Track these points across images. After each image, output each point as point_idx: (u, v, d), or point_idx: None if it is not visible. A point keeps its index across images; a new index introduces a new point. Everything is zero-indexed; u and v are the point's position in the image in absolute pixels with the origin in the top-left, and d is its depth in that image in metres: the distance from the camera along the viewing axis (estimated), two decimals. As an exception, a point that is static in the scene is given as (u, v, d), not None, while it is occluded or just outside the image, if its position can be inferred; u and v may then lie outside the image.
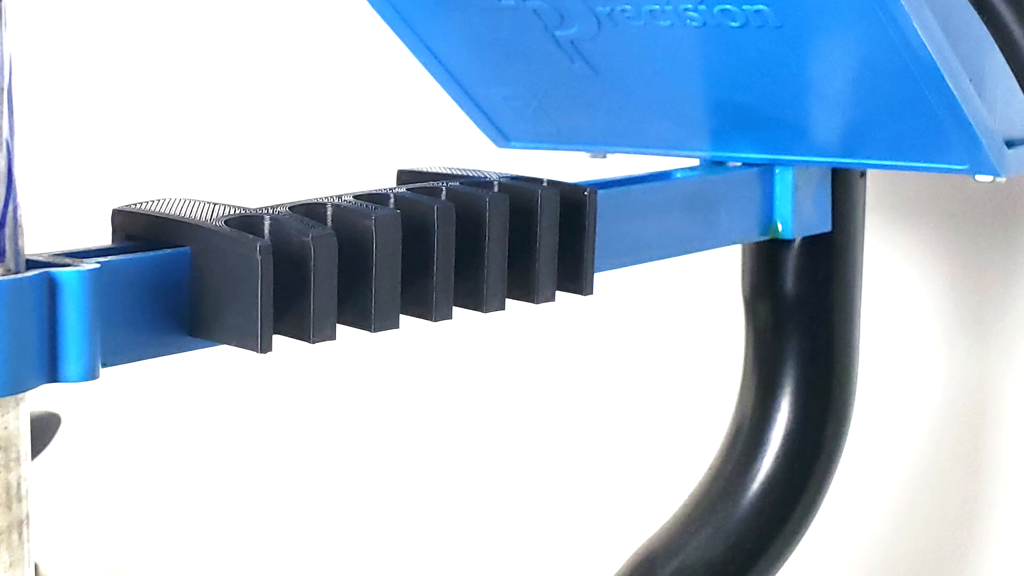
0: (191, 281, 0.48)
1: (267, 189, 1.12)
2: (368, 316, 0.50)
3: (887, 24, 0.57)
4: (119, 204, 0.51)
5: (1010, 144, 0.64)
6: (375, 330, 0.50)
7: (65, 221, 1.20)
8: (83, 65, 1.26)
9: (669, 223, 0.67)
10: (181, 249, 0.48)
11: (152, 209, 0.50)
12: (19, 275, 0.43)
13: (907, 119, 0.62)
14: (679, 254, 0.68)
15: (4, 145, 0.43)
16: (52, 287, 0.44)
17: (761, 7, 0.59)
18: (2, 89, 0.43)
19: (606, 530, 1.04)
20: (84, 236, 0.56)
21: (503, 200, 0.54)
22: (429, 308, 0.52)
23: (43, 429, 0.93)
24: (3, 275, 0.43)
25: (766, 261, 0.74)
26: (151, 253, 0.48)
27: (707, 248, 0.70)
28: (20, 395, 0.44)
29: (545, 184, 0.56)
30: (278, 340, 0.48)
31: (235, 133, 1.17)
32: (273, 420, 1.20)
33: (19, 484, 0.44)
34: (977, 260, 0.88)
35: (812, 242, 0.73)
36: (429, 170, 0.59)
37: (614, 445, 1.03)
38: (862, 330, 0.76)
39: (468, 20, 0.68)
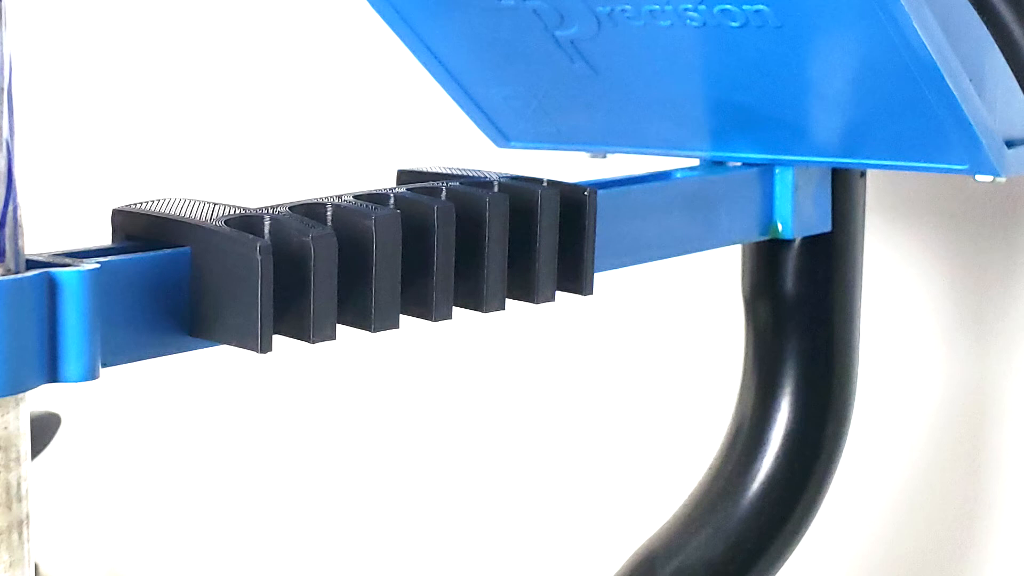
0: (191, 281, 0.48)
1: (267, 189, 1.12)
2: (368, 316, 0.50)
3: (887, 24, 0.57)
4: (119, 204, 0.51)
5: (1010, 144, 0.64)
6: (375, 330, 0.50)
7: (65, 221, 1.20)
8: (83, 65, 1.26)
9: (669, 223, 0.67)
10: (181, 249, 0.48)
11: (152, 209, 0.50)
12: (19, 275, 0.43)
13: (907, 119, 0.62)
14: (679, 254, 0.68)
15: (4, 145, 0.43)
16: (52, 287, 0.44)
17: (761, 7, 0.59)
18: (2, 89, 0.43)
19: (606, 530, 1.04)
20: (84, 236, 0.56)
21: (503, 200, 0.54)
22: (429, 308, 0.52)
23: (43, 429, 0.93)
24: (3, 275, 0.43)
25: (766, 261, 0.74)
26: (151, 253, 0.48)
27: (707, 248, 0.70)
28: (20, 395, 0.44)
29: (545, 184, 0.56)
30: (278, 340, 0.48)
31: (235, 133, 1.17)
32: (273, 420, 1.20)
33: (19, 484, 0.44)
34: (977, 260, 0.88)
35: (812, 242, 0.73)
36: (429, 170, 0.59)
37: (614, 445, 1.03)
38: (862, 330, 0.76)
39: (468, 20, 0.68)
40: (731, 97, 0.66)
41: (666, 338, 1.00)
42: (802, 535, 0.75)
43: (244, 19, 1.16)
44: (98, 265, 0.45)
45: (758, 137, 0.68)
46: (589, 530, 1.05)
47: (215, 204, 0.50)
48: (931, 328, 0.90)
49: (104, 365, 0.45)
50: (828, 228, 0.73)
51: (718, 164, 0.72)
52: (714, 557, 0.75)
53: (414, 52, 0.71)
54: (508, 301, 0.55)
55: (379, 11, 0.69)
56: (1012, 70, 0.53)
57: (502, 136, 0.76)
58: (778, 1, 0.59)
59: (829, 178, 0.73)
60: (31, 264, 0.45)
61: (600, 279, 0.59)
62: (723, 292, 0.91)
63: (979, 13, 0.54)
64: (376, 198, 0.53)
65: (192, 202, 0.50)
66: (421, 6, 0.68)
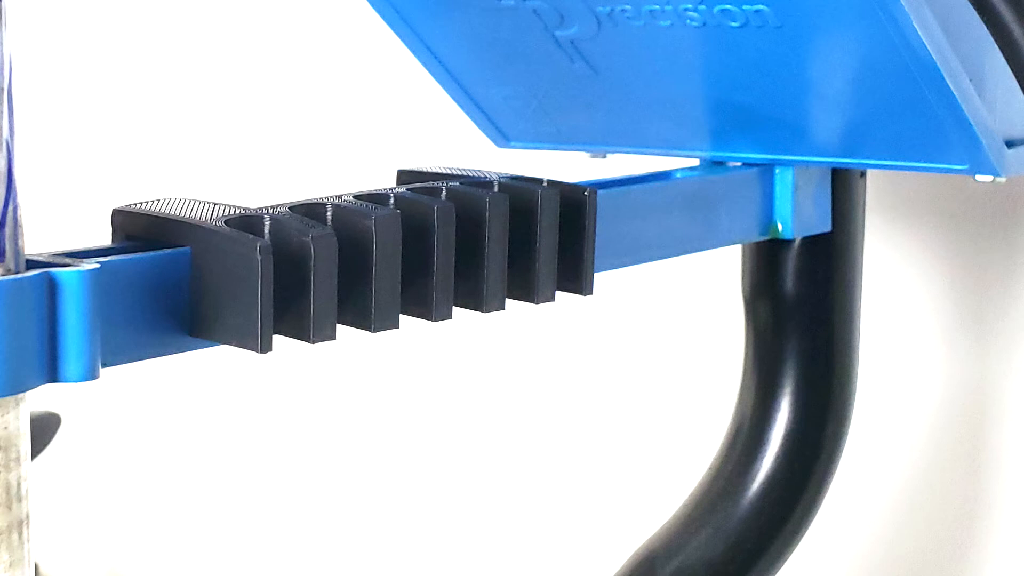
0: (191, 281, 0.48)
1: (267, 189, 1.12)
2: (368, 316, 0.50)
3: (887, 24, 0.57)
4: (119, 204, 0.51)
5: (1010, 144, 0.64)
6: (375, 330, 0.50)
7: (65, 221, 1.20)
8: (83, 65, 1.26)
9: (669, 223, 0.67)
10: (181, 249, 0.48)
11: (152, 209, 0.50)
12: (19, 275, 0.43)
13: (907, 119, 0.62)
14: (679, 254, 0.68)
15: (4, 145, 0.43)
16: (52, 287, 0.44)
17: (761, 7, 0.59)
18: (2, 89, 0.43)
19: (606, 530, 1.04)
20: (84, 236, 0.56)
21: (503, 200, 0.54)
22: (429, 308, 0.52)
23: (43, 429, 0.93)
24: (3, 275, 0.43)
25: (766, 261, 0.74)
26: (151, 253, 0.48)
27: (707, 248, 0.70)
28: (20, 395, 0.44)
29: (545, 184, 0.56)
30: (278, 340, 0.48)
31: (235, 133, 1.17)
32: (273, 420, 1.20)
33: (19, 484, 0.44)
34: (977, 260, 0.88)
35: (812, 242, 0.73)
36: (429, 170, 0.59)
37: (614, 445, 1.03)
38: (862, 330, 0.76)
39: (468, 20, 0.68)
40: (731, 97, 0.66)
41: (666, 338, 1.00)
42: (802, 535, 0.75)
43: (244, 19, 1.16)
44: (98, 265, 0.45)
45: (758, 137, 0.68)
46: (589, 530, 1.05)
47: (215, 204, 0.50)
48: (931, 328, 0.90)
49: (104, 365, 0.45)
50: (828, 228, 0.73)
51: (718, 164, 0.72)
52: (714, 557, 0.75)
53: (414, 52, 0.71)
54: (508, 301, 0.55)
55: (379, 11, 0.69)
56: (1012, 70, 0.53)
57: (502, 136, 0.76)
58: (778, 1, 0.59)
59: (829, 178, 0.73)
60: (31, 264, 0.45)
61: (600, 279, 0.59)
62: (723, 292, 0.91)
63: (979, 13, 0.54)
64: (376, 198, 0.53)
65: (192, 202, 0.50)
66: (421, 6, 0.68)
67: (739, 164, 0.71)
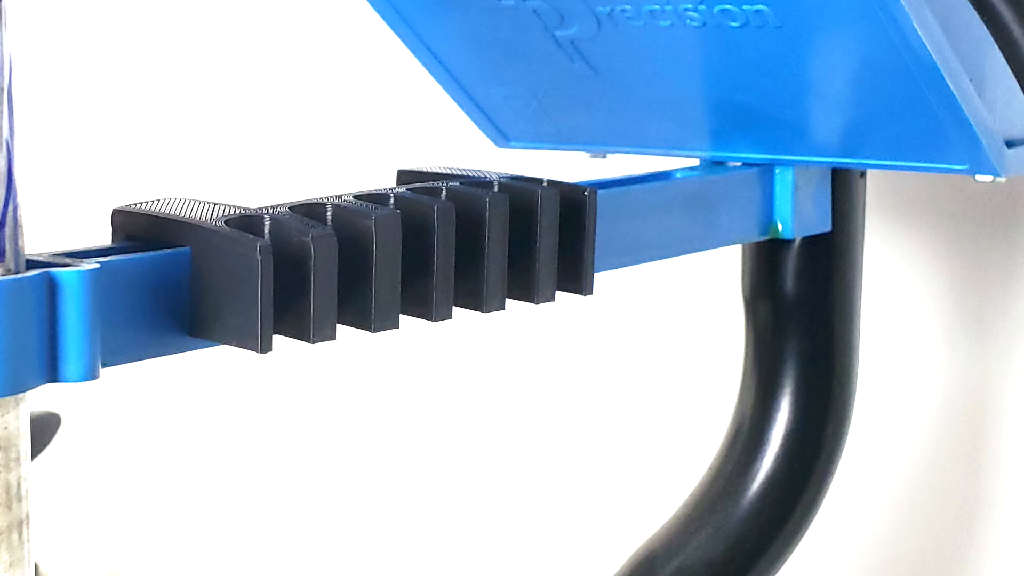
0: (191, 281, 0.48)
1: (267, 189, 1.12)
2: (368, 316, 0.50)
3: (887, 24, 0.57)
4: (119, 204, 0.51)
5: (1010, 144, 0.64)
6: (375, 330, 0.50)
7: (65, 221, 1.20)
8: (83, 65, 1.26)
9: (669, 223, 0.67)
10: (181, 249, 0.48)
11: (152, 209, 0.50)
12: (19, 275, 0.43)
13: (907, 119, 0.62)
14: (679, 254, 0.68)
15: (4, 145, 0.43)
16: (52, 287, 0.44)
17: (761, 7, 0.59)
18: (2, 89, 0.43)
19: (606, 530, 1.04)
20: (84, 236, 0.56)
21: (503, 200, 0.54)
22: (429, 308, 0.52)
23: (43, 429, 0.93)
24: (3, 275, 0.43)
25: (766, 261, 0.74)
26: (151, 253, 0.48)
27: (707, 248, 0.70)
28: (20, 395, 0.44)
29: (545, 184, 0.56)
30: (278, 340, 0.48)
31: (235, 133, 1.17)
32: (273, 420, 1.20)
33: (19, 484, 0.44)
34: (977, 260, 0.88)
35: (812, 242, 0.73)
36: (429, 170, 0.59)
37: (614, 445, 1.03)
38: (862, 330, 0.76)
39: (468, 20, 0.68)
40: (731, 97, 0.66)
41: (666, 338, 1.00)
42: (802, 535, 0.75)
43: (244, 19, 1.16)
44: (98, 265, 0.45)
45: (758, 137, 0.68)
46: (589, 530, 1.05)
47: (215, 204, 0.50)
48: (931, 328, 0.90)
49: (104, 365, 0.45)
50: (828, 228, 0.73)
51: (718, 164, 0.72)
52: (714, 557, 0.75)
53: (414, 52, 0.71)
54: (508, 301, 0.55)
55: (379, 11, 0.69)
56: (1012, 70, 0.53)
57: (502, 136, 0.76)
58: (778, 1, 0.59)
59: (829, 178, 0.73)
60: (31, 264, 0.45)
61: (600, 279, 0.59)
62: (723, 292, 0.91)
63: (979, 13, 0.54)
64: (376, 198, 0.53)
65: (192, 202, 0.50)
66: (421, 6, 0.68)
67: (739, 164, 0.71)
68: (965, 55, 0.60)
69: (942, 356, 0.90)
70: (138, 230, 0.50)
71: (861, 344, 0.76)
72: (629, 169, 0.71)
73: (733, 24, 0.61)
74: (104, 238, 0.51)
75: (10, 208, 0.43)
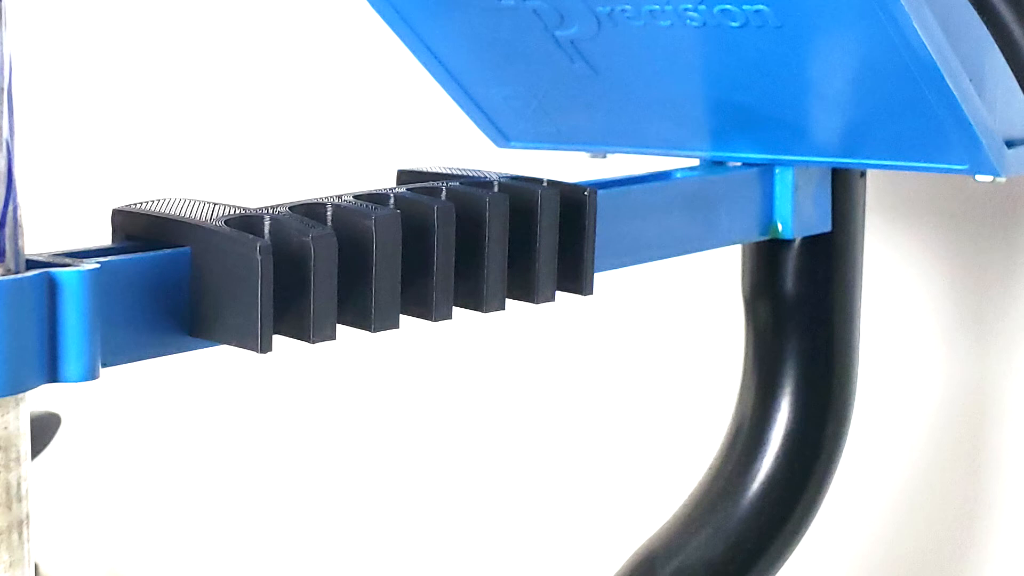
0: (191, 281, 0.48)
1: (267, 189, 1.12)
2: (368, 316, 0.50)
3: (887, 24, 0.57)
4: (119, 204, 0.51)
5: (1010, 144, 0.64)
6: (375, 330, 0.50)
7: (65, 221, 1.20)
8: (83, 65, 1.26)
9: (669, 223, 0.67)
10: (181, 249, 0.48)
11: (152, 209, 0.50)
12: (19, 275, 0.43)
13: (907, 119, 0.62)
14: (679, 254, 0.68)
15: (4, 145, 0.43)
16: (52, 287, 0.44)
17: (761, 7, 0.59)
18: (2, 89, 0.43)
19: (606, 530, 1.04)
20: (84, 236, 0.56)
21: (503, 200, 0.54)
22: (429, 308, 0.52)
23: (43, 429, 0.93)
24: (3, 275, 0.43)
25: (766, 261, 0.74)
26: (151, 253, 0.48)
27: (707, 248, 0.70)
28: (20, 395, 0.44)
29: (545, 184, 0.56)
30: (278, 340, 0.48)
31: (235, 133, 1.17)
32: (273, 420, 1.20)
33: (19, 484, 0.44)
34: (977, 260, 0.88)
35: (812, 242, 0.73)
36: (429, 170, 0.59)
37: (614, 445, 1.03)
38: (862, 330, 0.76)
39: (468, 20, 0.68)
40: (731, 97, 0.66)
41: (666, 338, 1.00)
42: (802, 535, 0.75)
43: (244, 19, 1.16)
44: (98, 265, 0.45)
45: (758, 137, 0.68)
46: (589, 530, 1.05)
47: (215, 204, 0.50)
48: (931, 328, 0.90)
49: (104, 365, 0.45)
50: (828, 228, 0.73)
51: (718, 164, 0.72)
52: (714, 557, 0.75)
53: (414, 52, 0.71)
54: (508, 301, 0.55)
55: (379, 11, 0.69)
56: (1012, 70, 0.53)
57: (502, 136, 0.76)
58: (778, 1, 0.59)
59: (829, 178, 0.73)
60: (31, 264, 0.45)
61: (600, 279, 0.59)
62: (723, 292, 0.91)
63: (979, 13, 0.54)
64: (376, 198, 0.53)
65: (192, 202, 0.50)
66: (421, 6, 0.68)
67: (739, 164, 0.71)
68: (965, 55, 0.60)
69: (942, 356, 0.90)
70: (138, 230, 0.50)
71: (861, 344, 0.76)
72: (629, 169, 0.71)
73: (733, 24, 0.61)
74: (104, 238, 0.51)
75: (10, 208, 0.43)
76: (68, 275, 0.44)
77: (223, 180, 1.18)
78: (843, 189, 0.74)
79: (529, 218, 0.55)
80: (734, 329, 0.79)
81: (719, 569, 0.74)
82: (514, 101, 0.73)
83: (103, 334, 0.45)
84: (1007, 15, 0.53)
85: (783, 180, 0.71)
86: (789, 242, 0.73)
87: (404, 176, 0.59)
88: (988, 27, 0.54)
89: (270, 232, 0.49)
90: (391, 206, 0.52)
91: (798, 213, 0.71)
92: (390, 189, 0.54)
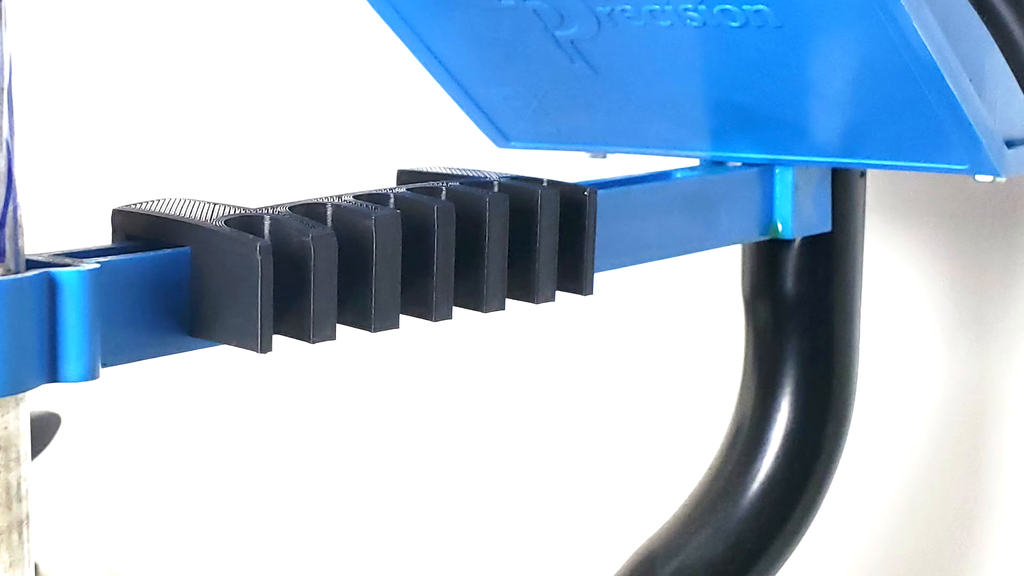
0: (191, 281, 0.48)
1: (267, 189, 1.12)
2: (368, 316, 0.50)
3: (887, 24, 0.57)
4: (119, 204, 0.51)
5: (1010, 144, 0.64)
6: (375, 330, 0.50)
7: (65, 221, 1.20)
8: (83, 65, 1.26)
9: (669, 223, 0.67)
10: (181, 249, 0.48)
11: (152, 209, 0.50)
12: (19, 275, 0.43)
13: (907, 119, 0.62)
14: (679, 254, 0.68)
15: (4, 145, 0.43)
16: (52, 287, 0.44)
17: (761, 7, 0.59)
18: (2, 89, 0.43)
19: (606, 530, 1.04)
20: (84, 236, 0.56)
21: (503, 200, 0.54)
22: (429, 308, 0.52)
23: (43, 429, 0.93)
24: (3, 275, 0.43)
25: (766, 261, 0.74)
26: (151, 253, 0.48)
27: (707, 248, 0.70)
28: (20, 395, 0.44)
29: (545, 184, 0.56)
30: (278, 340, 0.48)
31: (235, 133, 1.17)
32: (273, 420, 1.20)
33: (19, 484, 0.44)
34: (977, 260, 0.88)
35: (812, 242, 0.73)
36: (429, 170, 0.59)
37: (614, 445, 1.03)
38: (862, 330, 0.76)
39: (468, 20, 0.68)
40: (731, 97, 0.66)
41: (666, 338, 1.00)
42: (802, 535, 0.75)
43: (244, 19, 1.16)
44: (98, 265, 0.45)
45: (758, 137, 0.68)
46: (589, 530, 1.05)
47: (215, 204, 0.50)
48: (931, 328, 0.90)
49: (104, 365, 0.45)
50: (828, 228, 0.73)
51: (718, 164, 0.72)
52: (714, 557, 0.75)
53: (414, 52, 0.71)
54: (508, 301, 0.55)
55: (379, 11, 0.69)
56: (1012, 70, 0.53)
57: (502, 136, 0.76)
58: (778, 1, 0.59)
59: (829, 178, 0.73)
60: (31, 264, 0.45)
61: (600, 279, 0.59)
62: (723, 292, 0.91)
63: (979, 13, 0.54)
64: (376, 198, 0.53)
65: (192, 202, 0.50)
66: (421, 6, 0.68)
67: (739, 164, 0.71)
68: (965, 55, 0.60)
69: (942, 356, 0.90)
70: (138, 230, 0.50)
71: (861, 344, 0.76)
72: (629, 169, 0.71)
73: (733, 24, 0.61)
74: (104, 238, 0.51)
75: (10, 208, 0.43)
76: (68, 275, 0.44)
77: (223, 180, 1.18)
78: (843, 189, 0.74)
79: (529, 218, 0.55)
80: (734, 329, 0.79)
81: (719, 569, 0.74)
82: (514, 101, 0.73)
83: (103, 334, 0.45)
84: (1007, 15, 0.53)
85: (783, 180, 0.71)
86: (789, 242, 0.73)
87: (404, 176, 0.59)
88: (988, 27, 0.54)
89: (270, 232, 0.49)
90: (391, 206, 0.52)
91: (798, 213, 0.71)
92: (390, 189, 0.54)
